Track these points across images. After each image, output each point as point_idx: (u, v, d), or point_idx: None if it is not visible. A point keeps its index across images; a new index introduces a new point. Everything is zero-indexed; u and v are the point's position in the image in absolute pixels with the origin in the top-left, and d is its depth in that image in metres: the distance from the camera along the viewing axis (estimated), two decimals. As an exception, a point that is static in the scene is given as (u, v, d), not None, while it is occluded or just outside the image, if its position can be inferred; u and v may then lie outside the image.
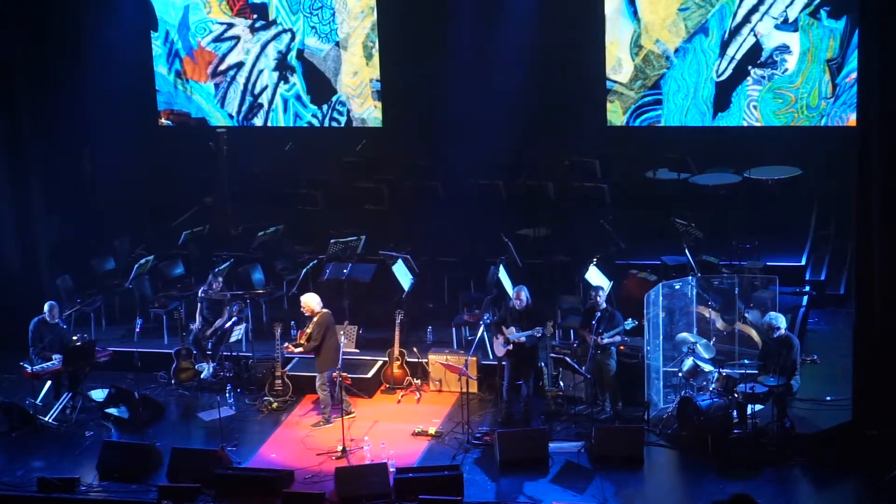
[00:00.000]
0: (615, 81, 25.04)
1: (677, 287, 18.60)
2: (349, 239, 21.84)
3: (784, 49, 24.03)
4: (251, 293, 21.06)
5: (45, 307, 19.18)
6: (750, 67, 24.32)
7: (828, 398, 17.95)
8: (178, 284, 22.08)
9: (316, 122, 26.60)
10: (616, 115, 25.13)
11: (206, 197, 24.95)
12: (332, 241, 21.79)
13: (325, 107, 26.62)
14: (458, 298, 21.19)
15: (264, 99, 26.91)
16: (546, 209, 23.25)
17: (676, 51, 24.62)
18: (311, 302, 18.40)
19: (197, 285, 20.80)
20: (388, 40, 25.37)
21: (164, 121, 27.22)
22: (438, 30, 24.29)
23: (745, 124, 24.40)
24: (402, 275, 20.54)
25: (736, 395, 16.87)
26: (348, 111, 26.48)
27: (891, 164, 16.48)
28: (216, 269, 20.59)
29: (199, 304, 20.10)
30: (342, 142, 26.02)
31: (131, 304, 21.68)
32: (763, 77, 24.27)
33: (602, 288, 18.26)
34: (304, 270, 21.25)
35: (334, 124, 26.44)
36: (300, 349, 18.34)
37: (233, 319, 19.90)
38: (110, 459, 17.20)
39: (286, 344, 18.54)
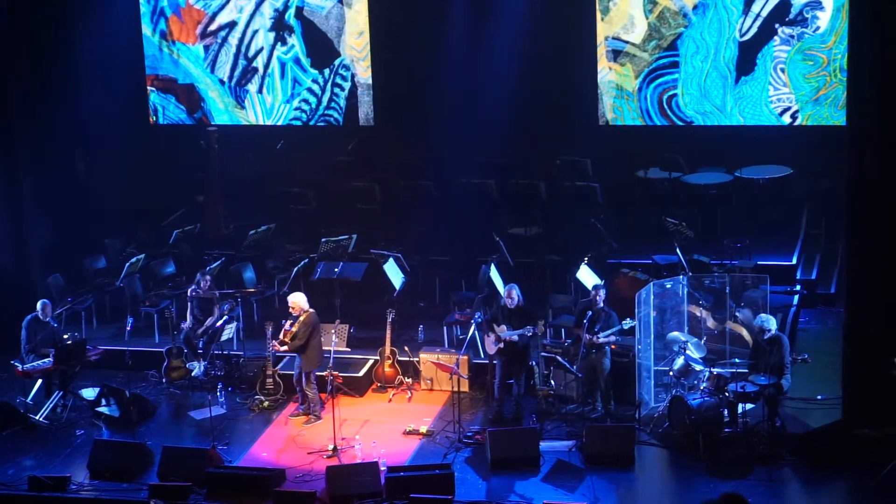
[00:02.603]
0: (626, 42, 23.98)
1: (668, 286, 18.61)
2: (340, 238, 21.83)
3: (815, 5, 22.81)
4: (242, 292, 21.05)
5: (38, 305, 19.18)
6: (777, 26, 23.15)
7: (819, 397, 17.97)
8: (169, 283, 22.07)
9: (317, 88, 25.61)
10: (627, 79, 24.11)
11: (197, 195, 24.93)
12: (323, 239, 21.78)
13: (326, 71, 25.47)
14: (449, 297, 21.22)
15: (259, 63, 25.76)
16: (537, 208, 23.29)
17: (695, 7, 23.49)
18: (300, 301, 18.40)
19: (188, 284, 20.80)
20: (380, 39, 25.21)
21: (149, 88, 26.14)
22: (430, 29, 24.24)
23: (772, 89, 23.35)
24: (394, 274, 20.55)
25: (727, 394, 16.89)
26: (353, 76, 25.44)
27: (882, 162, 16.51)
28: (205, 268, 20.58)
29: (189, 304, 20.10)
30: (334, 141, 25.94)
31: (122, 303, 21.67)
32: (792, 36, 23.08)
33: (602, 287, 18.25)
34: (296, 269, 21.22)
35: (337, 90, 25.49)
36: (285, 348, 18.32)
37: (224, 318, 19.91)
38: (101, 458, 17.18)
39: (274, 342, 18.48)
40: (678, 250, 20.01)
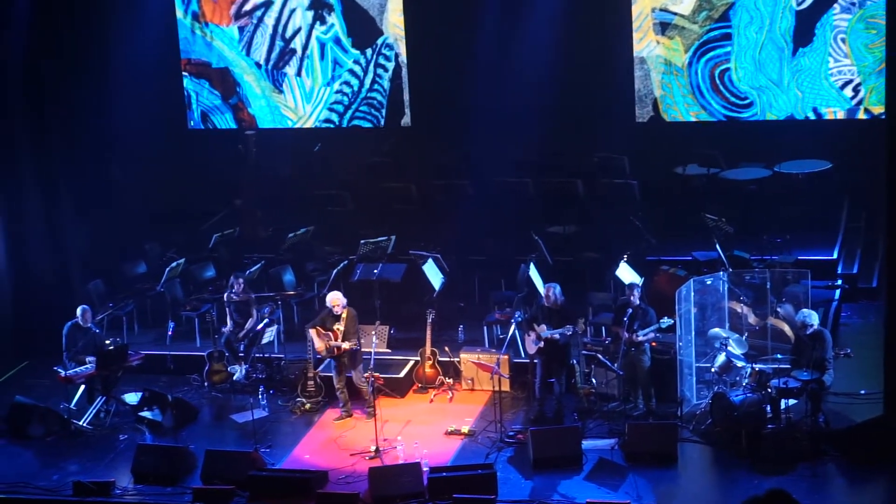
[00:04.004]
0: (675, 13, 22.92)
1: (708, 282, 18.56)
2: (379, 239, 21.84)
3: (877, -32, 21.68)
4: (282, 295, 21.10)
5: (78, 311, 19.24)
6: None
7: (862, 392, 17.88)
8: (209, 287, 22.15)
9: (359, 70, 24.65)
10: (677, 53, 23.02)
11: (235, 199, 24.98)
12: (362, 241, 21.79)
13: (369, 51, 24.41)
14: (488, 297, 21.21)
15: (297, 44, 24.71)
16: (575, 206, 23.20)
17: (748, -26, 22.40)
18: (340, 298, 18.44)
19: (228, 288, 20.86)
20: (416, 39, 25.09)
21: (183, 73, 25.25)
22: (465, 28, 24.11)
23: (832, 61, 22.27)
24: (433, 274, 20.55)
25: (769, 390, 16.81)
26: (396, 56, 24.53)
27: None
28: (236, 272, 20.56)
29: (226, 308, 20.16)
30: (370, 142, 25.91)
31: (163, 308, 21.75)
32: (853, 3, 21.93)
33: (638, 285, 18.21)
34: (335, 271, 21.26)
35: (380, 71, 24.61)
36: (347, 345, 18.30)
37: (264, 321, 19.96)
38: (145, 462, 17.26)
39: (340, 343, 18.30)
40: (718, 246, 19.95)
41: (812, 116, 23.03)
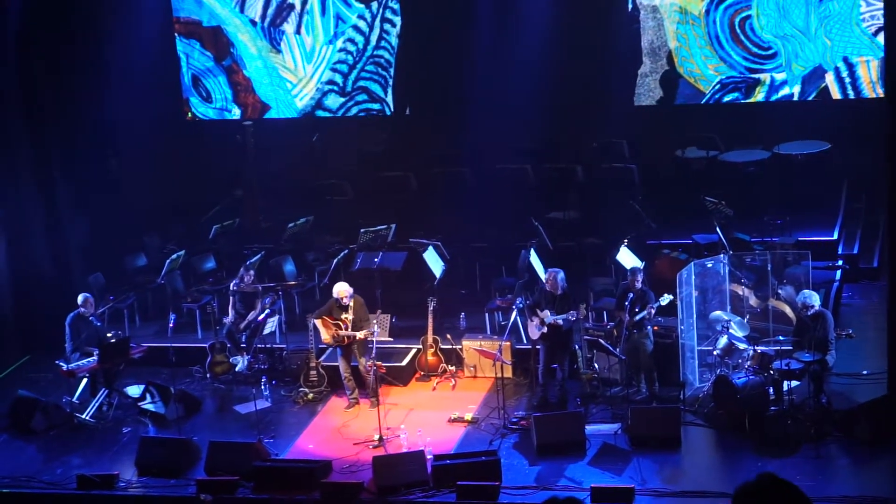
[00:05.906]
0: None
1: (709, 265, 18.55)
2: (379, 228, 21.83)
3: None
4: (283, 285, 21.08)
5: (79, 298, 19.11)
6: None
7: (864, 372, 17.88)
8: (209, 279, 22.16)
9: (364, 26, 23.44)
10: (693, 2, 21.94)
11: (234, 190, 24.96)
12: (362, 230, 21.79)
13: (374, 5, 23.16)
14: (490, 284, 21.20)
15: None
16: (575, 192, 23.24)
17: (769, -89, 21.48)
18: (347, 289, 18.40)
19: (228, 279, 20.87)
20: (411, 25, 25.01)
21: (175, 34, 23.66)
22: (462, 12, 24.07)
23: (864, 4, 21.00)
24: (434, 262, 20.53)
25: (772, 372, 16.80)
26: (402, 8, 23.53)
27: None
28: (247, 262, 20.61)
29: (231, 298, 20.14)
30: (369, 131, 25.87)
31: (164, 300, 21.73)
32: None
33: (640, 270, 18.20)
34: (335, 260, 21.24)
35: (387, 27, 23.52)
36: (362, 335, 18.27)
37: (266, 312, 19.95)
38: (148, 455, 17.27)
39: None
40: (718, 229, 19.93)
41: (843, 67, 22.18)
